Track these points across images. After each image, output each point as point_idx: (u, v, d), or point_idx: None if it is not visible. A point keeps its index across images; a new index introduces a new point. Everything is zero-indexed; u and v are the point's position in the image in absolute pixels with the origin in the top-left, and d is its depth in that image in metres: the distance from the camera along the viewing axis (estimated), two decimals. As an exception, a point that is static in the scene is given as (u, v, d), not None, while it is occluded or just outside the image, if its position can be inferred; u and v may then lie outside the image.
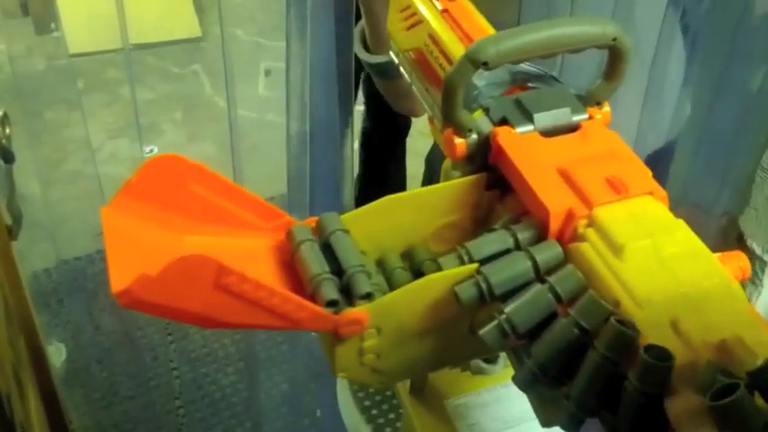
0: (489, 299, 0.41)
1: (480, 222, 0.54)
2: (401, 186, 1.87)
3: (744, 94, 0.86)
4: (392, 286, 0.47)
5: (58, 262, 1.81)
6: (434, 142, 1.29)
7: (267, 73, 2.46)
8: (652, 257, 0.40)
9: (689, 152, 0.94)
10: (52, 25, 2.37)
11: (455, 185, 0.51)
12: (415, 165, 1.61)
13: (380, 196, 0.49)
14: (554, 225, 0.42)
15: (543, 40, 0.45)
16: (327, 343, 0.44)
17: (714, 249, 0.42)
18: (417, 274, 0.49)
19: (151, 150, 2.20)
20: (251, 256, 0.44)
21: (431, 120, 0.63)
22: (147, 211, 0.41)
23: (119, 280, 0.31)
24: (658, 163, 0.64)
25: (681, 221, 0.43)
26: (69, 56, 2.32)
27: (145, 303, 0.32)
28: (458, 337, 0.47)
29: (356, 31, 0.92)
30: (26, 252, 1.65)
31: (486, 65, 0.44)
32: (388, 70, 0.86)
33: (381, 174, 1.69)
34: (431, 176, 1.36)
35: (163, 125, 2.32)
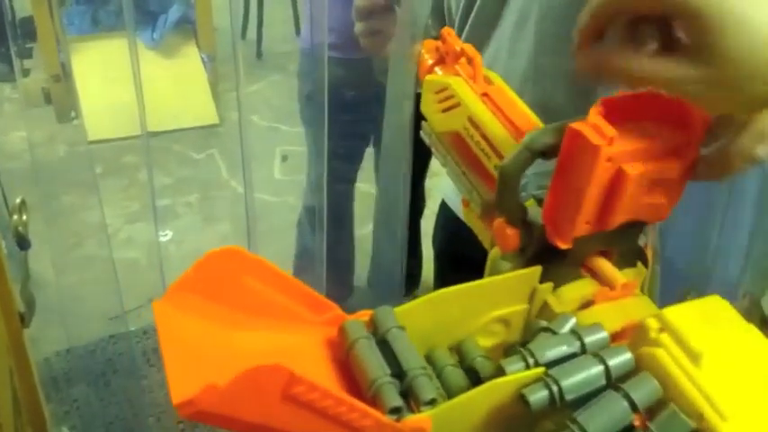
0: (559, 403, 0.39)
1: (530, 316, 0.52)
2: (416, 267, 1.85)
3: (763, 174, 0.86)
4: (445, 386, 0.45)
5: (70, 347, 1.77)
6: (436, 224, 1.27)
7: (284, 158, 2.49)
8: (731, 365, 0.38)
9: (710, 232, 0.93)
10: (72, 113, 2.41)
11: (510, 279, 0.49)
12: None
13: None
14: (623, 328, 0.40)
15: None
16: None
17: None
18: (469, 371, 0.46)
19: (166, 235, 2.19)
20: (304, 353, 0.42)
21: (465, 203, 0.61)
22: (198, 305, 0.39)
23: (180, 390, 0.29)
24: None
25: (751, 325, 0.41)
26: (88, 143, 2.35)
27: (207, 415, 0.30)
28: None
29: None
30: (37, 337, 1.62)
31: (545, 155, 0.43)
32: None
33: None
34: (441, 266, 1.33)
35: (178, 209, 2.32)
